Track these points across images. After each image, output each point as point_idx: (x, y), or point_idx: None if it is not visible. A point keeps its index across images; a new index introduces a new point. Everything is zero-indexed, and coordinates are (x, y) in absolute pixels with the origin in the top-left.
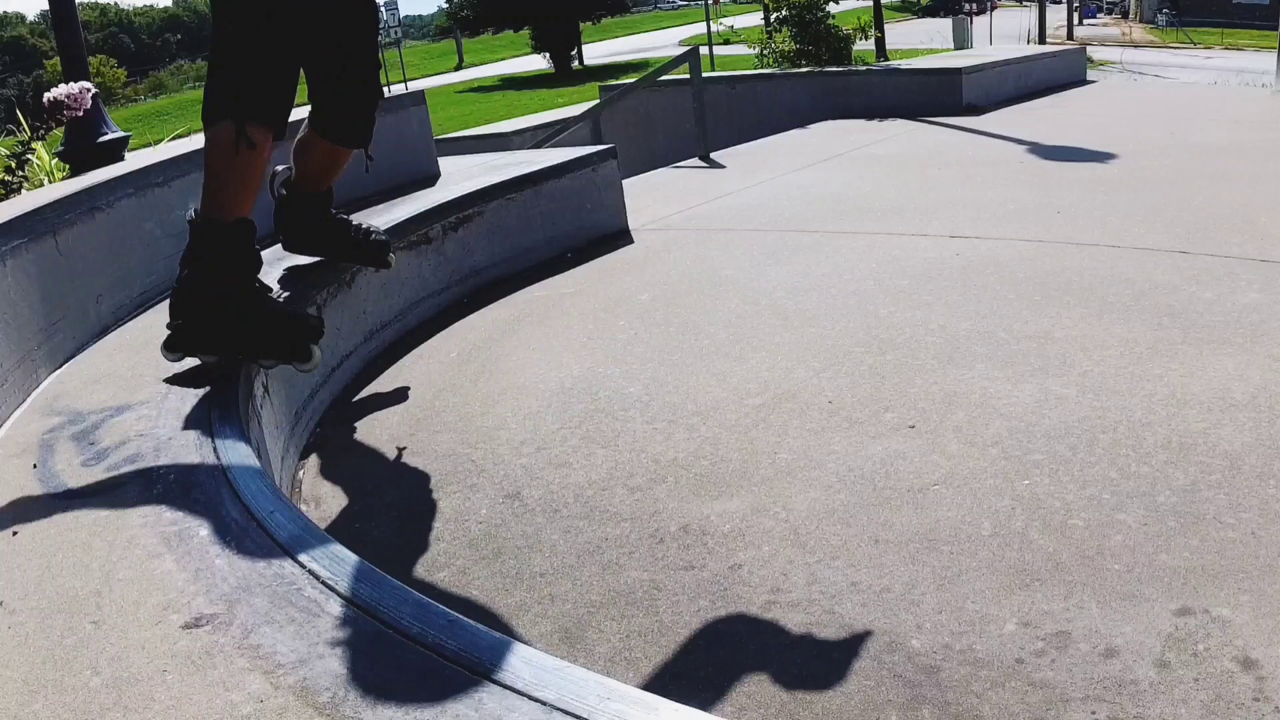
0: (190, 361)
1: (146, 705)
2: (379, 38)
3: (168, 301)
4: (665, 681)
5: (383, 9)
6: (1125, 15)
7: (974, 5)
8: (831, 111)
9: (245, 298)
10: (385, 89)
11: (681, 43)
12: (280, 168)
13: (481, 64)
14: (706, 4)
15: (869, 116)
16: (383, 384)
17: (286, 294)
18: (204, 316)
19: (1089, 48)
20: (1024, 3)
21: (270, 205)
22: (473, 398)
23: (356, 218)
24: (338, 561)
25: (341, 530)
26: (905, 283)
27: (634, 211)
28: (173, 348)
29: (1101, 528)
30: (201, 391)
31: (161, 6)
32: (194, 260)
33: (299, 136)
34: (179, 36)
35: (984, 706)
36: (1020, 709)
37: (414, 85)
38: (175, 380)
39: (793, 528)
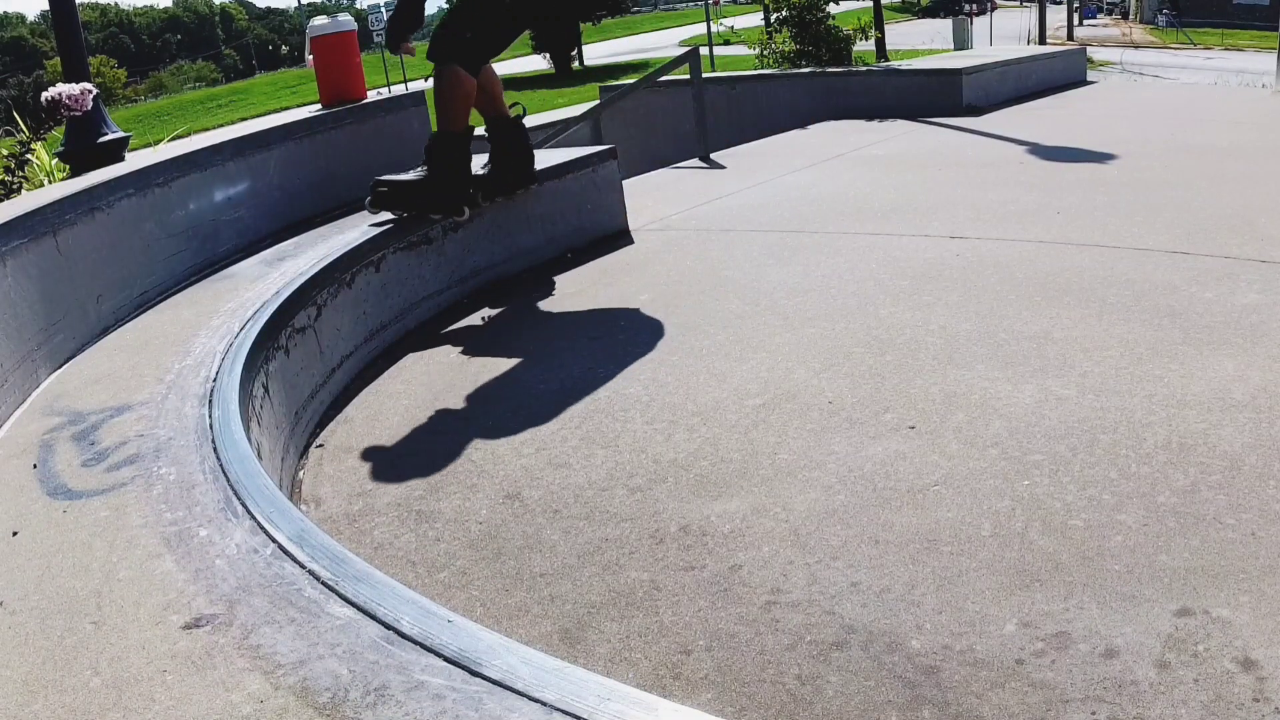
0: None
1: (146, 705)
2: (379, 38)
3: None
4: (665, 681)
5: (383, 9)
6: (1125, 16)
7: (974, 6)
8: (832, 112)
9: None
10: (386, 89)
11: (681, 43)
12: None
13: None
14: (706, 4)
15: (869, 117)
16: (383, 384)
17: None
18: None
19: (1089, 48)
20: (1024, 3)
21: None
22: (472, 398)
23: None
24: (338, 561)
25: (341, 530)
26: (905, 283)
27: (634, 212)
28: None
29: (1101, 528)
30: (202, 391)
31: (161, 7)
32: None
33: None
34: (179, 37)
35: (984, 707)
36: (1020, 709)
37: (414, 86)
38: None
39: (793, 528)
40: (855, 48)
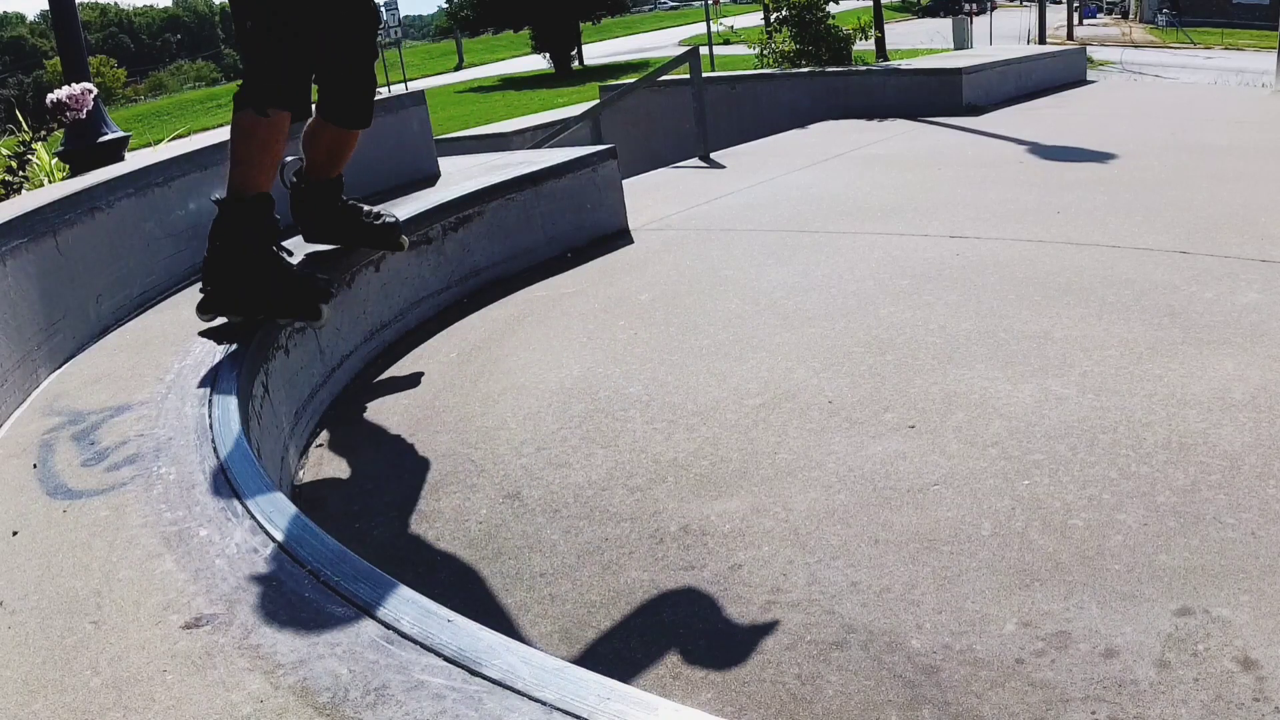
0: (220, 322)
1: (146, 705)
2: (379, 38)
3: (200, 276)
4: (665, 681)
5: (383, 9)
6: (1125, 15)
7: (974, 5)
8: (831, 111)
9: (262, 264)
10: (385, 89)
11: (681, 43)
12: (290, 159)
13: (481, 64)
14: (706, 4)
15: (869, 117)
16: (383, 383)
17: (302, 261)
18: (229, 281)
19: (1089, 48)
20: (1024, 3)
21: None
22: (473, 398)
23: (366, 204)
24: (337, 561)
25: (341, 530)
26: (905, 283)
27: (634, 211)
28: (205, 309)
29: (1101, 528)
30: (202, 391)
31: (161, 6)
32: (220, 234)
33: (307, 126)
34: (179, 37)
35: (984, 706)
36: (1020, 709)
37: (414, 85)
38: (206, 335)
39: (793, 528)
40: (855, 47)
